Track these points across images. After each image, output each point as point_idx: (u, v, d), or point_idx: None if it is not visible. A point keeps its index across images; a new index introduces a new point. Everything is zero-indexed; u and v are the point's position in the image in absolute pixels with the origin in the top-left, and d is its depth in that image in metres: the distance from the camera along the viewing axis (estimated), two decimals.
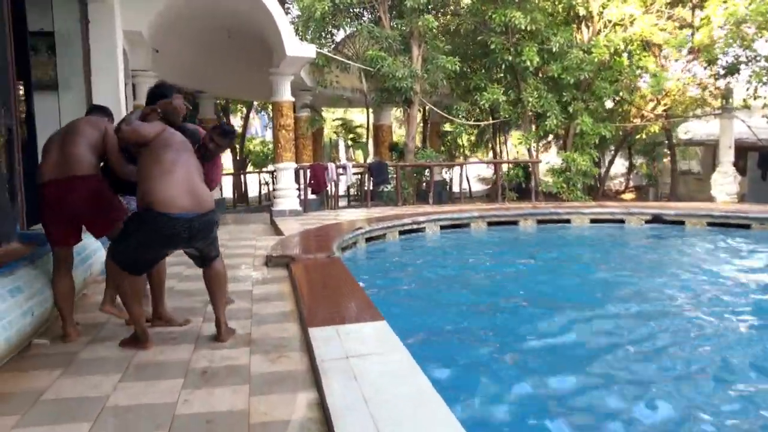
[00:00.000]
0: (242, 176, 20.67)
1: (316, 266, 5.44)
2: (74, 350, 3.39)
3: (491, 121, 15.90)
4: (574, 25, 14.75)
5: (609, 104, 15.85)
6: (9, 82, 4.47)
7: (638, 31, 13.61)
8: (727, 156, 14.25)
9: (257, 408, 2.57)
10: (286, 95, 10.59)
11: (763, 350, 4.30)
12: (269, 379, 2.92)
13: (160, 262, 3.74)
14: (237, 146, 22.40)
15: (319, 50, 11.78)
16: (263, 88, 11.71)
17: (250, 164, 24.20)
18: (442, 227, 9.15)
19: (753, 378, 3.78)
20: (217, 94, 15.92)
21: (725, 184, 14.02)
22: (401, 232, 8.62)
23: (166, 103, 3.55)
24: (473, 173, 21.83)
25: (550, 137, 18.05)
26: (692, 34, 14.49)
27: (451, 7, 15.61)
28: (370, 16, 15.19)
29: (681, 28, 14.85)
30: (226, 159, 21.61)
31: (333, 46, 15.23)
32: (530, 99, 13.83)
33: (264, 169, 21.52)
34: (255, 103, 21.77)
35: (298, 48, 9.61)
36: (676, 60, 15.92)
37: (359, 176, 16.07)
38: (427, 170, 14.32)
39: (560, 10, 14.44)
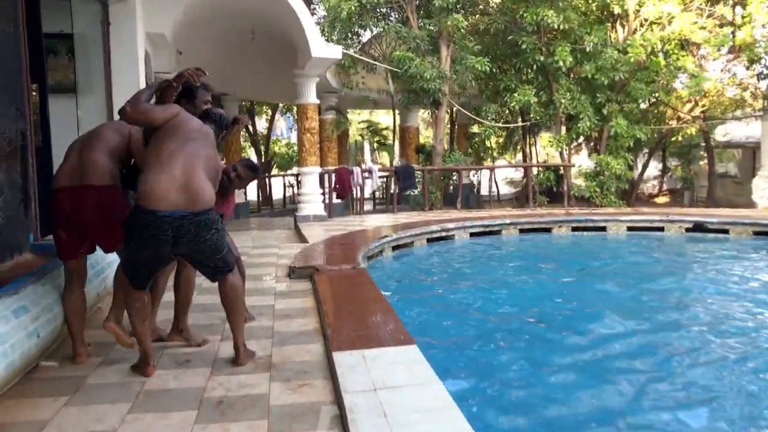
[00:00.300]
0: (267, 179, 20.56)
1: (341, 279, 5.17)
2: (82, 374, 3.16)
3: (521, 123, 15.47)
4: (609, 24, 14.25)
5: (643, 106, 15.30)
6: (23, 86, 4.29)
7: (677, 29, 13.04)
8: None
9: None
10: (311, 97, 10.36)
11: None
12: (289, 412, 2.65)
13: (168, 272, 3.51)
14: (262, 148, 22.33)
15: (345, 51, 11.52)
16: (288, 90, 11.50)
17: (275, 166, 24.10)
18: (471, 234, 8.81)
19: None
20: (241, 97, 15.79)
21: (767, 188, 13.37)
22: (429, 240, 8.31)
23: (179, 77, 3.31)
24: (501, 176, 21.41)
25: (581, 139, 17.56)
26: (733, 33, 13.88)
27: (480, 7, 15.22)
28: (397, 16, 14.90)
29: (721, 26, 14.24)
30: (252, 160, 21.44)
31: (359, 47, 14.98)
32: (562, 100, 13.38)
33: (289, 172, 21.38)
34: (280, 104, 21.65)
35: (323, 49, 9.36)
36: (714, 59, 15.35)
37: (385, 179, 15.79)
38: (455, 173, 13.95)
39: (594, 8, 13.94)
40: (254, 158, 21.73)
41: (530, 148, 17.74)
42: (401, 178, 12.06)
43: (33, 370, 3.16)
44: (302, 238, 8.03)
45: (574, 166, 15.28)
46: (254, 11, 9.62)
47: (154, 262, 3.03)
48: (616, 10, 13.44)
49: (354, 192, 11.47)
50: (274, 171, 23.80)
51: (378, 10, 14.31)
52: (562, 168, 14.16)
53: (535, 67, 13.78)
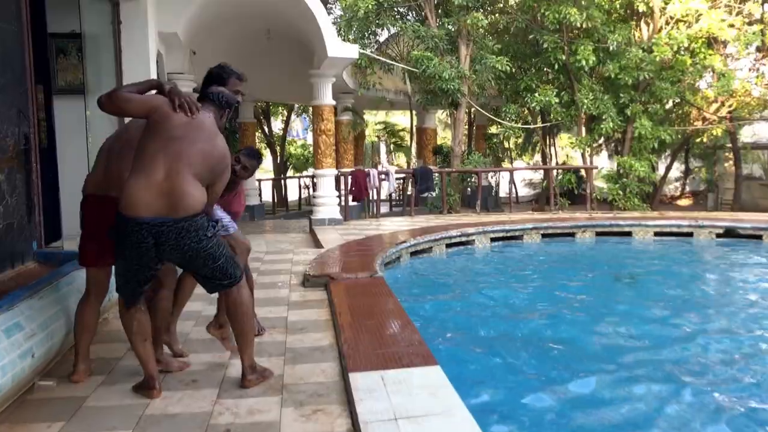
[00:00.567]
0: (282, 180, 20.40)
1: (358, 288, 4.92)
2: (82, 394, 2.95)
3: (542, 125, 15.12)
4: (633, 22, 13.86)
5: (666, 106, 14.88)
6: (26, 87, 4.11)
7: (704, 27, 12.61)
8: None
9: None
10: (327, 98, 10.13)
11: None
12: None
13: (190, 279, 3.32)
14: (278, 149, 22.19)
15: (361, 51, 11.29)
16: (304, 91, 11.30)
17: (290, 168, 23.97)
18: (492, 239, 8.51)
19: None
20: (256, 97, 15.63)
21: None
22: (449, 245, 8.03)
23: (173, 93, 2.84)
24: (519, 177, 21.07)
25: (601, 140, 17.18)
26: (763, 31, 13.40)
27: (500, 5, 14.90)
28: (415, 15, 14.63)
29: (749, 24, 13.77)
30: (267, 162, 21.40)
31: (376, 47, 14.76)
32: (585, 101, 13.02)
33: (304, 173, 21.22)
34: (296, 105, 21.51)
35: (339, 48, 9.13)
36: (738, 59, 14.88)
37: (401, 181, 15.54)
38: (473, 176, 13.66)
39: (618, 6, 13.55)
40: (270, 160, 21.62)
41: (550, 149, 17.39)
42: (418, 181, 11.80)
43: (29, 390, 2.96)
44: (317, 243, 7.81)
45: (597, 168, 14.91)
46: (269, 11, 9.42)
47: (140, 271, 2.79)
48: (641, 7, 13.04)
49: (370, 194, 11.23)
50: (290, 172, 23.67)
51: (396, 9, 14.06)
52: (583, 170, 13.80)
53: (556, 66, 13.42)
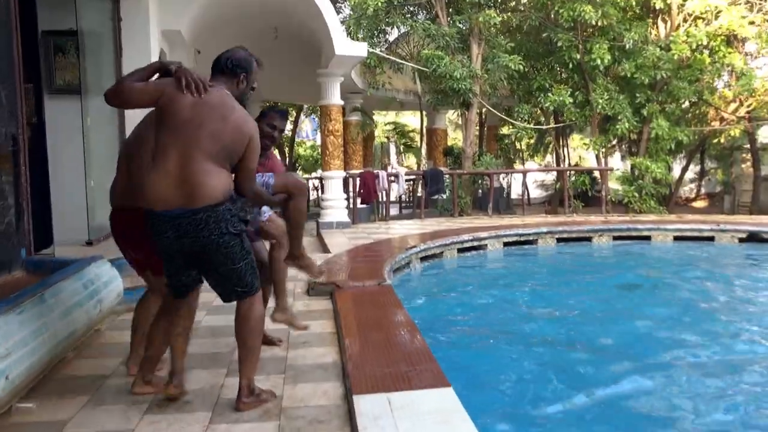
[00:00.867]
0: None
1: (365, 298, 4.66)
2: (64, 417, 2.71)
3: (555, 125, 14.79)
4: (650, 20, 13.50)
5: (683, 106, 14.51)
6: (14, 86, 3.89)
7: (725, 24, 12.24)
8: None
9: None
10: (335, 98, 9.89)
11: None
12: None
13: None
14: (287, 150, 22.02)
15: (370, 49, 11.03)
16: (312, 91, 11.08)
17: (299, 169, 23.79)
18: (505, 244, 8.22)
19: None
20: (263, 97, 15.44)
21: None
22: (460, 250, 7.75)
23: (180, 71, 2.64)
24: (531, 178, 20.73)
25: (614, 141, 16.84)
26: None
27: (512, 3, 14.60)
28: (425, 13, 14.36)
29: None
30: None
31: (386, 46, 14.51)
32: (599, 101, 12.69)
33: (313, 175, 21.01)
34: (305, 105, 21.32)
35: (347, 46, 8.89)
36: (757, 57, 14.48)
37: (411, 183, 15.28)
38: (485, 177, 13.37)
39: (634, 3, 13.19)
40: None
41: (563, 151, 17.06)
42: (429, 183, 11.52)
43: (6, 413, 2.72)
44: (324, 248, 7.56)
45: (613, 170, 14.57)
46: (276, 8, 9.21)
47: (172, 265, 2.69)
48: (658, 4, 12.67)
49: (379, 196, 10.97)
50: (299, 173, 23.49)
51: (406, 7, 13.81)
52: (599, 172, 13.47)
53: (570, 65, 13.12)
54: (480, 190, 14.28)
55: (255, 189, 2.75)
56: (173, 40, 7.69)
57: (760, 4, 13.10)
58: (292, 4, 8.75)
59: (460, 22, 12.83)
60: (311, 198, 17.87)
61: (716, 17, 12.59)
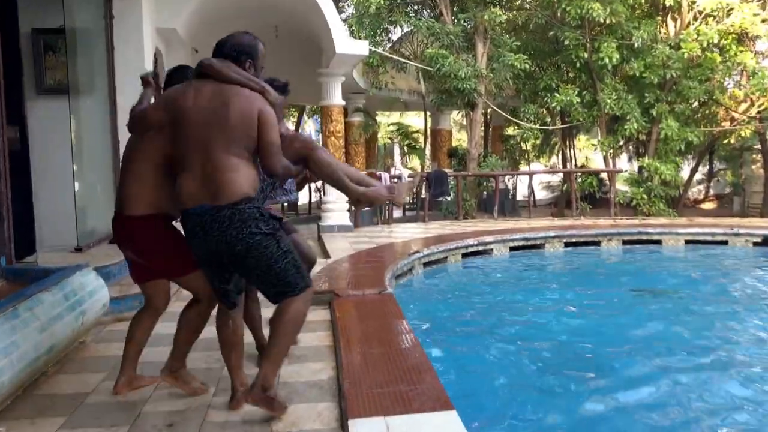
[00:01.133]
0: None
1: (365, 308, 4.43)
2: None
3: (562, 126, 14.53)
4: (659, 18, 13.23)
5: (692, 106, 14.24)
6: None
7: (737, 22, 11.96)
8: None
9: None
10: (336, 98, 9.68)
11: None
12: None
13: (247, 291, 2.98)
14: None
15: (372, 48, 10.81)
16: (312, 91, 10.86)
17: None
18: (511, 248, 7.97)
19: None
20: None
21: None
22: (465, 255, 7.51)
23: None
24: (537, 180, 20.44)
25: (621, 142, 16.58)
26: None
27: (518, 1, 14.36)
28: (429, 11, 14.13)
29: None
30: None
31: (389, 45, 14.29)
32: (608, 100, 12.42)
33: None
34: (307, 106, 21.12)
35: (348, 45, 8.66)
36: (767, 56, 14.18)
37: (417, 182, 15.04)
38: (490, 179, 13.12)
39: (643, 1, 12.93)
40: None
41: (569, 151, 16.79)
42: (433, 186, 11.27)
43: None
44: (325, 253, 7.33)
45: (622, 171, 14.29)
46: (276, 6, 8.99)
47: (207, 268, 2.63)
48: (668, 2, 12.40)
49: None
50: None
51: (410, 5, 13.58)
52: (607, 173, 13.20)
53: (577, 64, 12.85)
54: (485, 192, 14.04)
55: (284, 163, 2.61)
56: (169, 38, 7.46)
57: None
58: (292, 1, 8.53)
59: (464, 21, 12.58)
60: (313, 200, 17.63)
61: (728, 15, 12.31)
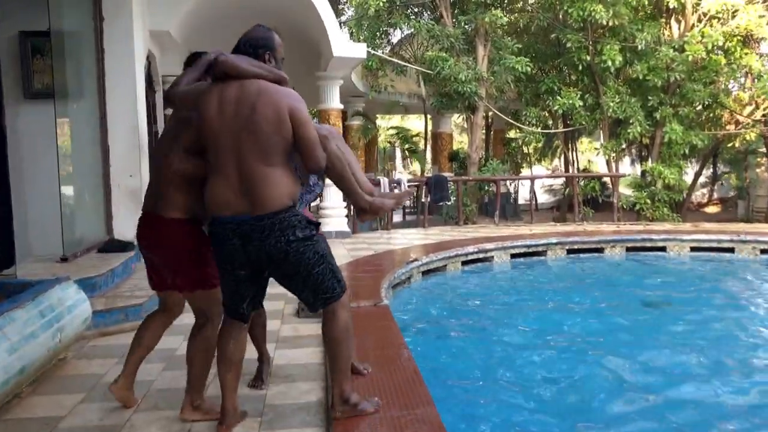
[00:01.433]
0: None
1: (358, 321, 4.15)
2: None
3: (564, 129, 14.35)
4: (663, 20, 13.05)
5: (696, 109, 14.05)
6: None
7: (742, 24, 11.77)
8: None
9: None
10: (334, 102, 9.52)
11: None
12: None
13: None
14: None
15: (371, 51, 10.65)
16: (311, 95, 10.70)
17: None
18: (513, 255, 7.79)
19: None
20: None
21: None
22: (465, 263, 7.33)
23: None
24: (538, 183, 20.26)
25: (624, 145, 16.39)
26: None
27: (519, 3, 14.19)
28: (429, 13, 13.97)
29: None
30: None
31: (388, 48, 14.14)
32: (610, 104, 12.25)
33: None
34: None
35: (346, 48, 8.51)
36: None
37: (415, 189, 14.88)
38: (491, 183, 12.95)
39: (646, 2, 12.74)
40: None
41: (571, 154, 16.61)
42: (433, 191, 11.08)
43: None
44: None
45: (625, 176, 14.11)
46: (272, 8, 8.83)
47: (231, 279, 2.50)
48: (672, 4, 12.21)
49: None
50: None
51: (409, 7, 13.43)
52: (610, 178, 13.02)
53: (580, 67, 12.70)
54: (486, 196, 13.87)
55: (323, 155, 2.51)
56: (162, 41, 7.33)
57: None
58: (289, 4, 8.38)
59: (465, 23, 12.44)
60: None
61: (733, 16, 12.13)
